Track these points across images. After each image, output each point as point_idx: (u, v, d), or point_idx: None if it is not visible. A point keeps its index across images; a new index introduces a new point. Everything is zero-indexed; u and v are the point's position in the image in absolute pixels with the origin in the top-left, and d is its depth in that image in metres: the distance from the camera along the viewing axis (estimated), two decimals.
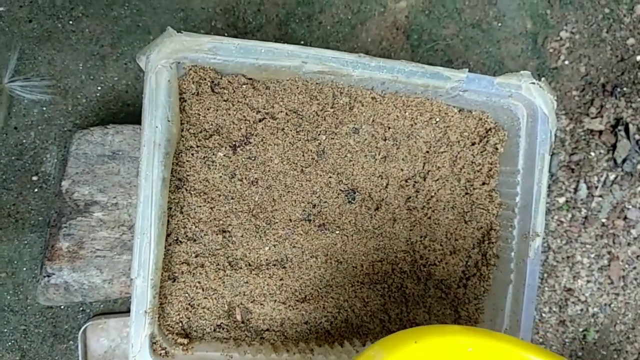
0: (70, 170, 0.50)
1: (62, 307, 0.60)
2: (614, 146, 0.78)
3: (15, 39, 0.59)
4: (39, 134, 0.60)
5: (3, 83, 0.58)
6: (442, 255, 0.48)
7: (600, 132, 0.78)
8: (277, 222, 0.44)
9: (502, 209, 0.48)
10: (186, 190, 0.41)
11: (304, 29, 0.66)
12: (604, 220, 0.79)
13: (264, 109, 0.42)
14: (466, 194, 0.48)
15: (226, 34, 0.65)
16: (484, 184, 0.48)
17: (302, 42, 0.66)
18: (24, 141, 0.60)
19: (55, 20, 0.60)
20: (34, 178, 0.60)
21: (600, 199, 0.78)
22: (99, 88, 0.61)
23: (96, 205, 0.50)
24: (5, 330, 0.60)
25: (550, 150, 0.45)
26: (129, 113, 0.62)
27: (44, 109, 0.60)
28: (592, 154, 0.77)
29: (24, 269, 0.60)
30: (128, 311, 0.62)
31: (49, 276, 0.50)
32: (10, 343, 0.60)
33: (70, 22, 0.61)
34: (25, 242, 0.60)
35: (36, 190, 0.60)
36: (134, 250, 0.36)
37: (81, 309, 0.61)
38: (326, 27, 0.67)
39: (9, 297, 0.60)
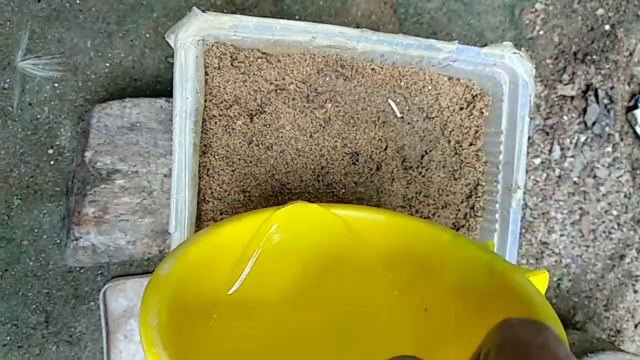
0: (93, 142, 0.54)
1: (82, 270, 0.65)
2: (585, 110, 0.84)
3: (25, 18, 0.62)
4: (53, 109, 0.63)
5: (16, 62, 0.61)
6: (435, 209, 0.53)
7: (572, 97, 0.84)
8: (290, 183, 0.49)
9: (488, 166, 0.54)
10: (211, 155, 0.45)
11: (298, 5, 0.70)
12: (575, 179, 0.86)
13: (276, 80, 0.47)
14: (455, 154, 0.54)
15: (225, 11, 0.68)
16: (471, 144, 0.54)
17: (297, 18, 0.70)
18: (39, 116, 0.63)
19: (62, 0, 0.63)
20: (50, 151, 0.63)
21: (572, 159, 0.85)
22: (107, 64, 0.65)
23: (118, 174, 0.54)
24: (30, 294, 0.64)
25: (529, 112, 0.51)
26: (136, 87, 0.66)
27: (56, 85, 0.63)
28: (565, 117, 0.84)
29: (45, 236, 0.64)
30: (144, 273, 0.67)
31: (77, 239, 0.54)
32: (35, 306, 0.64)
33: (77, 2, 0.63)
34: (45, 211, 0.63)
35: (52, 162, 0.63)
36: (172, 208, 0.41)
37: (100, 272, 0.66)
38: (319, 3, 0.71)
39: (31, 263, 0.64)
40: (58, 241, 0.64)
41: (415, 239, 0.41)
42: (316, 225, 0.40)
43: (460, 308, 0.37)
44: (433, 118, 0.52)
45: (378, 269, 0.42)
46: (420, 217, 0.53)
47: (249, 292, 0.38)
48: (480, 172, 0.54)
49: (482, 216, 0.54)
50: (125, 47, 0.65)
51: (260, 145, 0.47)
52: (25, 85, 0.62)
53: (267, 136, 0.47)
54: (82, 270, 0.65)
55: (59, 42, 0.63)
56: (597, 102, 0.84)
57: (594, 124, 0.85)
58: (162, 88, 0.66)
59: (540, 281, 0.34)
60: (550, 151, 0.84)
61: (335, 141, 0.49)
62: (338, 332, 0.41)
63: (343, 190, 0.50)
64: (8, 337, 0.64)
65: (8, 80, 0.62)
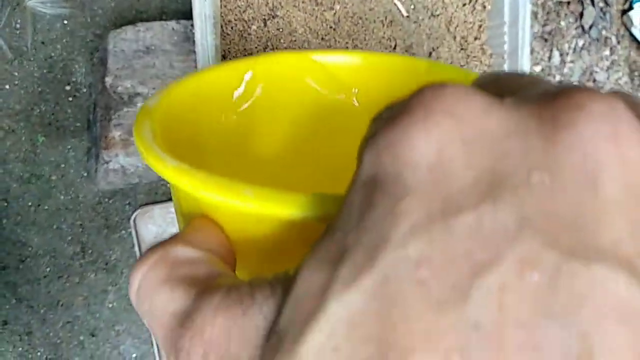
0: (112, 67, 0.56)
1: (111, 201, 0.68)
2: (581, 14, 0.86)
3: None
4: (65, 47, 0.65)
5: (25, 1, 0.62)
6: None
7: (569, 2, 0.85)
8: None
9: (493, 58, 0.56)
10: (230, 60, 0.47)
11: None
12: (576, 84, 0.88)
13: None
14: (462, 49, 0.56)
15: None
16: (476, 39, 0.55)
17: None
18: (52, 54, 0.65)
19: None
20: (67, 88, 0.65)
21: (571, 64, 0.87)
22: None
23: (138, 97, 0.56)
24: (64, 226, 0.67)
25: None
26: (142, 20, 0.67)
27: (65, 22, 0.64)
28: (562, 23, 0.85)
29: (71, 171, 0.66)
30: (168, 200, 0.70)
31: (107, 163, 0.57)
32: (70, 237, 0.68)
33: None
34: (69, 147, 0.66)
35: (71, 99, 0.65)
36: None
37: (127, 202, 0.69)
38: None
39: (62, 197, 0.67)
40: (85, 174, 0.67)
41: (394, 73, 0.40)
42: (297, 75, 0.40)
43: None
44: (438, 15, 0.54)
45: (361, 112, 0.43)
46: None
47: (239, 141, 0.39)
48: (486, 65, 0.56)
49: None
50: None
51: (276, 50, 0.49)
52: (36, 25, 0.64)
53: (281, 40, 0.49)
54: (110, 201, 0.68)
55: None
56: (593, 4, 0.86)
57: (590, 27, 0.86)
58: (168, 20, 0.67)
59: None
60: (549, 58, 0.86)
61: (346, 42, 0.51)
62: (328, 178, 0.42)
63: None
64: (48, 269, 0.67)
65: (19, 20, 0.63)
